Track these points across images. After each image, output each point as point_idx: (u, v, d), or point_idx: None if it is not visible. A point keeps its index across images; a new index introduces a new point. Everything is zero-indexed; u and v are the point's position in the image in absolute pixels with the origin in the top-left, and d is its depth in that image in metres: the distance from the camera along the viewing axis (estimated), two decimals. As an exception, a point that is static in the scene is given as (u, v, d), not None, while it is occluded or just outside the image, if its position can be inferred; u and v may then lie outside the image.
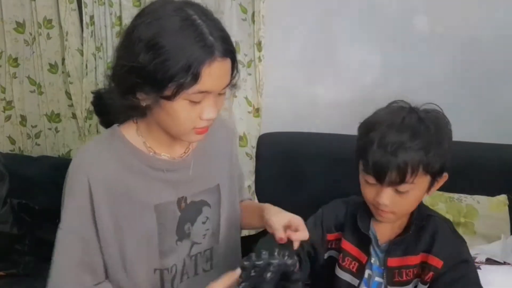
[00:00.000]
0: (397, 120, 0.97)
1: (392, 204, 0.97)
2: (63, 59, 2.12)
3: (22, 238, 1.78)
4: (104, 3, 1.98)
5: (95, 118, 2.13)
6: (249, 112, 1.94)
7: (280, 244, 0.95)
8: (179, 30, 0.87)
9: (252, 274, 0.81)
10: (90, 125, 2.16)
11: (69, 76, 2.10)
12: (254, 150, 1.88)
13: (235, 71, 0.95)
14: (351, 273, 1.09)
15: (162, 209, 1.03)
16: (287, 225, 0.98)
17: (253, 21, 1.84)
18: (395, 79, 1.85)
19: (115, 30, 2.00)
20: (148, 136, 1.03)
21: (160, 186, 1.03)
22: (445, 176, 1.02)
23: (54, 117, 2.22)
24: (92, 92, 1.07)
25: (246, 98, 1.92)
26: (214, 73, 0.89)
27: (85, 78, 2.07)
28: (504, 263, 1.34)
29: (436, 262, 1.01)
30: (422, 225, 1.04)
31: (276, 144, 1.80)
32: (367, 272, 1.08)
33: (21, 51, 2.17)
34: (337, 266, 1.11)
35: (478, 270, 1.06)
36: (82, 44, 2.07)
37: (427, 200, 1.54)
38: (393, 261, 1.04)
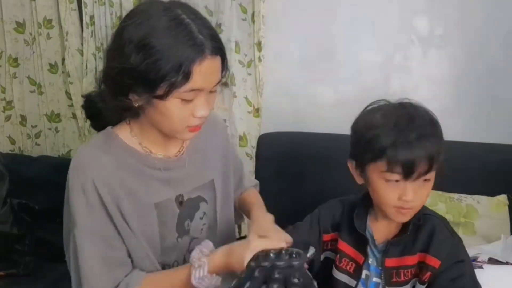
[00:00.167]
0: (402, 114, 0.97)
1: (416, 198, 0.97)
2: (63, 59, 2.12)
3: (22, 238, 1.78)
4: (105, 3, 1.98)
5: (95, 118, 2.13)
6: (249, 112, 1.94)
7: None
8: (168, 29, 0.88)
9: (256, 274, 0.81)
10: (90, 125, 2.16)
11: (69, 76, 2.10)
12: (254, 150, 1.87)
13: (225, 69, 0.97)
14: (348, 274, 1.09)
15: (162, 207, 1.04)
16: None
17: (253, 21, 1.84)
18: (395, 79, 1.85)
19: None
20: (142, 136, 1.04)
21: (158, 184, 1.04)
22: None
23: (54, 117, 2.22)
24: (83, 96, 1.08)
25: (246, 98, 1.92)
26: (204, 71, 0.90)
27: (85, 78, 2.07)
28: (507, 263, 1.34)
29: (434, 262, 1.01)
30: (419, 224, 1.04)
31: (276, 144, 1.80)
32: (364, 273, 1.07)
33: (21, 51, 2.17)
34: (333, 267, 1.11)
35: (481, 270, 1.06)
36: (82, 44, 2.07)
37: (427, 200, 1.54)
38: (390, 262, 1.04)
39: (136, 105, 0.94)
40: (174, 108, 0.92)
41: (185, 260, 1.09)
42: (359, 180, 1.06)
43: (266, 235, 0.97)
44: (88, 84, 2.06)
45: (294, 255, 0.83)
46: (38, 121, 2.24)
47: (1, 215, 1.74)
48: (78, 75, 2.11)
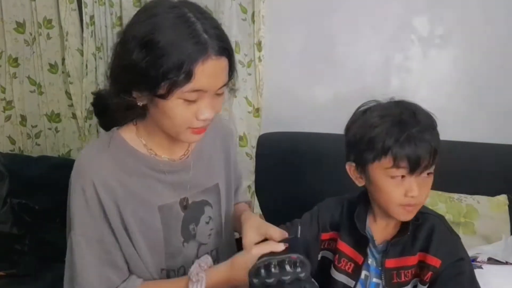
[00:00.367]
0: (401, 111, 0.99)
1: (421, 193, 0.97)
2: (63, 59, 2.12)
3: (22, 238, 1.78)
4: (105, 3, 1.98)
5: (95, 118, 2.13)
6: (249, 112, 1.94)
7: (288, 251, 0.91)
8: (173, 27, 0.87)
9: None
10: (90, 125, 2.16)
11: (69, 76, 2.10)
12: (254, 150, 1.87)
13: (233, 71, 0.95)
14: (347, 274, 1.08)
15: (166, 210, 1.03)
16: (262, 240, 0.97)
17: (253, 21, 1.83)
18: (395, 79, 1.85)
19: (116, 30, 2.00)
20: (148, 138, 1.02)
21: (162, 187, 1.03)
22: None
23: (54, 117, 2.22)
24: (93, 93, 1.07)
25: (246, 98, 1.92)
26: (208, 71, 0.87)
27: (85, 78, 2.07)
28: (506, 263, 1.34)
29: (435, 261, 1.01)
30: (418, 224, 1.04)
31: (276, 144, 1.80)
32: (363, 273, 1.07)
33: (21, 51, 2.17)
34: (332, 267, 1.10)
35: (480, 270, 1.06)
36: (82, 44, 2.07)
37: (427, 200, 1.54)
38: (390, 262, 1.04)
39: (140, 103, 0.93)
40: (176, 109, 0.90)
41: None
42: (359, 182, 1.06)
43: (263, 230, 0.97)
44: (88, 84, 2.06)
45: (298, 265, 0.79)
46: (38, 121, 2.24)
47: (1, 215, 1.74)
48: (78, 75, 2.10)
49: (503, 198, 1.58)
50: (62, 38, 2.10)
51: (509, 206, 1.57)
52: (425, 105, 1.03)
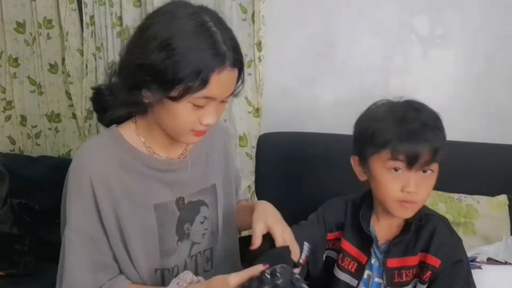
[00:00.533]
0: (407, 108, 1.00)
1: (419, 190, 0.98)
2: (63, 59, 2.12)
3: (22, 238, 1.78)
4: (105, 3, 1.98)
5: (95, 118, 2.13)
6: (249, 112, 1.94)
7: (278, 255, 0.92)
8: (194, 34, 0.89)
9: None
10: (90, 125, 2.16)
11: (69, 76, 2.10)
12: (254, 150, 1.87)
13: (240, 81, 0.97)
14: (350, 273, 1.09)
15: (162, 209, 1.03)
16: (267, 232, 0.98)
17: (253, 21, 1.84)
18: (395, 79, 1.85)
19: (116, 30, 2.00)
20: (147, 135, 1.03)
21: (158, 186, 1.04)
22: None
23: (54, 117, 2.22)
24: (93, 88, 1.07)
25: (246, 98, 1.92)
26: (222, 81, 0.91)
27: (85, 78, 2.07)
28: (506, 263, 1.34)
29: (434, 261, 1.01)
30: (420, 224, 1.04)
31: (276, 144, 1.80)
32: (366, 273, 1.08)
33: (21, 51, 2.17)
34: (336, 267, 1.11)
35: (479, 270, 1.06)
36: (82, 44, 2.07)
37: (427, 200, 1.54)
38: (392, 262, 1.04)
39: (146, 101, 0.94)
40: (183, 111, 0.92)
41: (186, 266, 1.08)
42: (362, 177, 1.07)
43: (269, 222, 0.98)
44: (88, 84, 2.06)
45: (278, 274, 0.81)
46: (38, 121, 2.24)
47: (1, 215, 1.73)
48: (78, 75, 2.11)
49: (503, 198, 1.58)
50: (62, 38, 2.10)
51: (509, 206, 1.57)
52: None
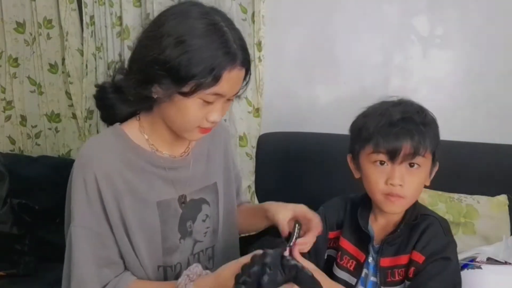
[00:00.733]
0: (393, 106, 1.02)
1: (405, 184, 0.98)
2: (63, 59, 2.12)
3: (22, 238, 1.78)
4: (105, 3, 1.98)
5: (95, 118, 2.14)
6: (249, 112, 1.94)
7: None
8: (207, 33, 0.92)
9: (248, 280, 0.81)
10: (90, 125, 2.16)
11: (69, 76, 2.10)
12: (254, 150, 1.87)
13: (247, 81, 1.00)
14: (349, 271, 1.09)
15: (165, 206, 1.04)
16: (292, 218, 1.05)
17: (253, 21, 1.83)
18: (395, 79, 1.85)
19: (115, 30, 2.00)
20: (151, 132, 1.05)
21: (161, 183, 1.05)
22: (437, 166, 1.05)
23: (54, 117, 2.22)
24: (96, 86, 1.08)
25: (246, 98, 1.92)
26: (232, 79, 0.94)
27: (85, 78, 2.07)
28: (506, 263, 1.34)
29: (418, 257, 1.01)
30: (414, 224, 1.04)
31: (276, 144, 1.80)
32: (364, 271, 1.08)
33: (21, 51, 2.17)
34: (335, 265, 1.11)
35: (479, 270, 1.05)
36: (82, 44, 2.07)
37: (427, 200, 1.54)
38: (385, 261, 1.04)
39: (155, 96, 0.95)
40: (192, 107, 0.94)
41: (189, 263, 1.08)
42: (356, 174, 1.08)
43: (291, 206, 1.08)
44: (88, 84, 2.06)
45: (267, 255, 0.83)
46: (38, 121, 2.25)
47: (1, 215, 1.73)
48: (78, 75, 2.11)
49: (503, 198, 1.58)
50: (62, 38, 2.10)
51: (509, 206, 1.57)
52: (425, 105, 1.04)
